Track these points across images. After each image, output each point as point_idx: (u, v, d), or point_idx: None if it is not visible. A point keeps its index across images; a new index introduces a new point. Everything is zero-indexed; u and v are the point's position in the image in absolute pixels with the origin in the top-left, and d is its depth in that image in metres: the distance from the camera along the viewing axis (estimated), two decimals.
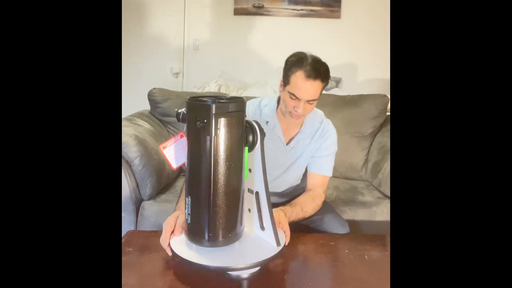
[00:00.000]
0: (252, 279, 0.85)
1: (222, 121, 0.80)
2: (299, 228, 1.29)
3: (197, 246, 0.86)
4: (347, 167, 1.96)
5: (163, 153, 0.97)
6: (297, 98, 1.15)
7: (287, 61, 1.19)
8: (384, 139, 1.90)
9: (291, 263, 1.03)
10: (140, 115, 1.92)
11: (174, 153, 0.99)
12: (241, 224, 0.89)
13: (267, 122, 1.29)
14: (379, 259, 1.03)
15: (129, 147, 1.52)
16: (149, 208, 1.54)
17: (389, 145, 1.80)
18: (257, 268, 0.86)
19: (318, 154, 1.31)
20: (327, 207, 1.33)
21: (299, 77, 1.14)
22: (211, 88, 2.73)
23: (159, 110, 1.99)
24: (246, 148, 0.88)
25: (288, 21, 3.16)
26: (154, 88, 2.01)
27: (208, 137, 0.80)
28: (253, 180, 0.92)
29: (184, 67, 3.28)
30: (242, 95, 2.57)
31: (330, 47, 3.17)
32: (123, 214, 1.52)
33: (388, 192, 1.69)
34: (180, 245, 0.89)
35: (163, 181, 1.67)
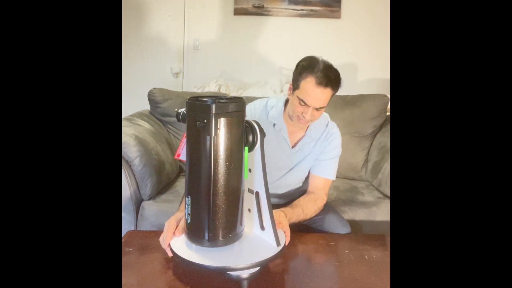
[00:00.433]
0: (252, 279, 0.85)
1: (222, 121, 0.80)
2: (300, 228, 1.29)
3: (197, 246, 0.86)
4: (347, 167, 1.96)
5: (181, 160, 0.97)
6: (305, 104, 1.13)
7: (298, 65, 1.17)
8: (384, 139, 1.90)
9: (291, 263, 1.03)
10: (140, 115, 1.92)
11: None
12: (241, 224, 0.89)
13: (274, 124, 1.27)
14: (379, 259, 1.03)
15: (129, 147, 1.52)
16: (149, 208, 1.54)
17: (389, 145, 1.80)
18: (257, 268, 0.86)
19: (322, 157, 1.30)
20: (328, 207, 1.33)
21: (309, 83, 1.12)
22: (211, 88, 2.73)
23: (159, 110, 1.99)
24: (246, 148, 0.88)
25: (288, 21, 3.16)
26: (154, 88, 2.01)
27: (208, 137, 0.80)
28: (253, 180, 0.92)
29: (184, 67, 3.28)
30: (242, 95, 2.57)
31: (330, 47, 3.17)
32: (123, 214, 1.52)
33: (388, 192, 1.69)
34: (180, 245, 0.89)
35: (163, 181, 1.67)
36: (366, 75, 3.17)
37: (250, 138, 0.88)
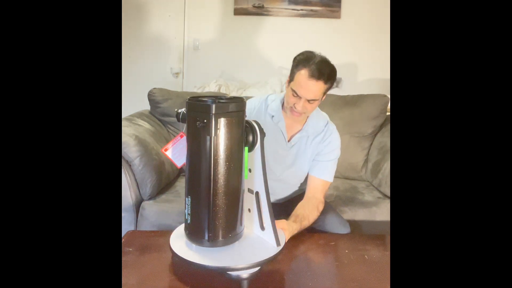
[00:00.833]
0: (252, 279, 0.85)
1: (222, 121, 0.80)
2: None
3: (197, 246, 0.86)
4: (347, 167, 1.96)
5: (166, 155, 0.98)
6: (298, 95, 1.17)
7: (295, 59, 1.21)
8: (384, 139, 1.90)
9: (291, 263, 1.03)
10: (140, 115, 1.92)
11: (176, 153, 0.99)
12: (241, 224, 0.89)
13: (273, 116, 1.30)
14: (379, 259, 1.03)
15: (129, 147, 1.52)
16: (149, 208, 1.54)
17: (389, 145, 1.80)
18: (257, 268, 0.86)
19: (319, 158, 1.31)
20: (328, 207, 1.33)
21: (302, 76, 1.15)
22: (211, 88, 2.73)
23: (159, 110, 1.99)
24: (246, 148, 0.88)
25: (288, 21, 3.16)
26: (154, 88, 2.01)
27: (208, 137, 0.80)
28: (253, 180, 0.92)
29: (184, 67, 3.28)
30: (242, 95, 2.57)
31: (330, 47, 3.14)
32: (123, 214, 1.52)
33: (388, 192, 1.69)
34: (180, 245, 0.89)
35: (163, 181, 1.67)
36: (366, 75, 3.17)
37: (250, 138, 0.88)
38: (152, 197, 1.59)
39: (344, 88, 2.75)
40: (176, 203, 1.55)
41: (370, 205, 1.62)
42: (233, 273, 0.84)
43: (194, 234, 0.85)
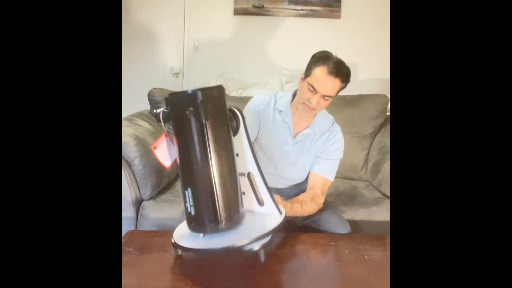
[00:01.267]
0: (265, 250, 0.88)
1: (210, 107, 0.82)
2: (300, 228, 1.29)
3: (206, 234, 0.87)
4: (347, 167, 1.96)
5: (154, 154, 0.98)
6: (314, 90, 1.20)
7: (313, 56, 1.25)
8: (384, 139, 1.90)
9: (291, 263, 1.03)
10: (140, 115, 1.92)
11: (163, 153, 1.00)
12: (242, 205, 0.90)
13: (281, 111, 1.32)
14: (379, 259, 1.03)
15: (129, 147, 1.52)
16: (149, 208, 1.54)
17: (389, 145, 1.80)
18: (269, 238, 0.88)
19: (322, 156, 1.33)
20: (328, 207, 1.33)
21: (321, 71, 1.20)
22: None
23: None
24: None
25: (288, 21, 3.16)
26: (154, 88, 2.01)
27: (199, 125, 0.81)
28: (244, 163, 0.94)
29: (184, 67, 3.28)
30: (242, 95, 2.57)
31: (330, 47, 3.14)
32: (123, 214, 1.52)
33: (388, 192, 1.69)
34: (186, 240, 0.90)
35: (163, 181, 1.67)
36: (366, 75, 3.16)
37: (234, 123, 0.91)
38: (152, 197, 1.59)
39: (344, 88, 2.75)
40: (176, 203, 1.55)
41: (370, 205, 1.62)
42: (246, 247, 0.85)
43: (201, 223, 0.86)
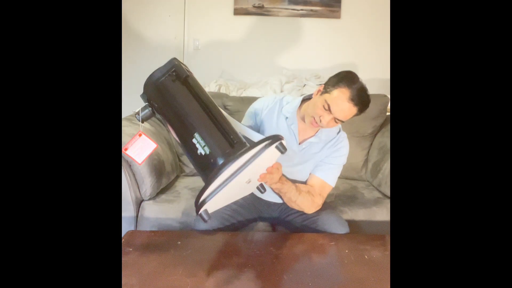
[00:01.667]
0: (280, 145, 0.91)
1: (183, 66, 0.97)
2: (300, 228, 1.29)
3: (223, 166, 0.87)
4: (347, 167, 1.94)
5: (126, 154, 1.04)
6: (329, 109, 1.15)
7: (339, 73, 1.19)
8: (384, 139, 1.90)
9: (291, 263, 1.03)
10: None
11: (136, 150, 1.05)
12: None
13: (287, 118, 1.30)
14: (379, 259, 1.03)
15: None
16: (149, 208, 1.54)
17: (389, 145, 1.80)
18: (281, 140, 0.92)
19: (325, 160, 1.31)
20: (327, 207, 1.33)
21: (343, 94, 1.14)
22: (211, 88, 2.73)
23: None
24: None
25: (288, 21, 3.16)
26: None
27: (182, 79, 0.93)
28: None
29: None
30: (242, 95, 2.57)
31: (330, 47, 3.17)
32: (123, 214, 1.52)
33: (388, 192, 1.69)
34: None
35: (163, 181, 1.67)
36: (366, 75, 3.14)
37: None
38: (152, 197, 1.59)
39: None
40: (176, 203, 1.55)
41: (370, 205, 1.62)
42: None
43: (217, 154, 0.87)
